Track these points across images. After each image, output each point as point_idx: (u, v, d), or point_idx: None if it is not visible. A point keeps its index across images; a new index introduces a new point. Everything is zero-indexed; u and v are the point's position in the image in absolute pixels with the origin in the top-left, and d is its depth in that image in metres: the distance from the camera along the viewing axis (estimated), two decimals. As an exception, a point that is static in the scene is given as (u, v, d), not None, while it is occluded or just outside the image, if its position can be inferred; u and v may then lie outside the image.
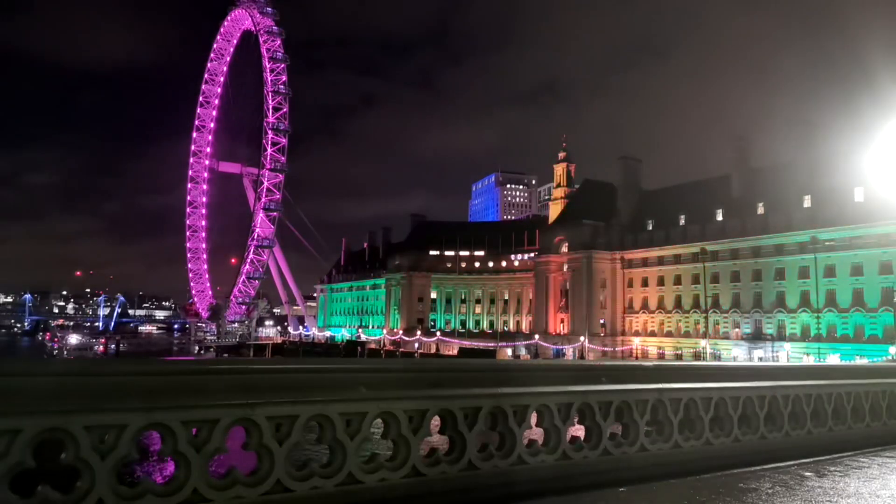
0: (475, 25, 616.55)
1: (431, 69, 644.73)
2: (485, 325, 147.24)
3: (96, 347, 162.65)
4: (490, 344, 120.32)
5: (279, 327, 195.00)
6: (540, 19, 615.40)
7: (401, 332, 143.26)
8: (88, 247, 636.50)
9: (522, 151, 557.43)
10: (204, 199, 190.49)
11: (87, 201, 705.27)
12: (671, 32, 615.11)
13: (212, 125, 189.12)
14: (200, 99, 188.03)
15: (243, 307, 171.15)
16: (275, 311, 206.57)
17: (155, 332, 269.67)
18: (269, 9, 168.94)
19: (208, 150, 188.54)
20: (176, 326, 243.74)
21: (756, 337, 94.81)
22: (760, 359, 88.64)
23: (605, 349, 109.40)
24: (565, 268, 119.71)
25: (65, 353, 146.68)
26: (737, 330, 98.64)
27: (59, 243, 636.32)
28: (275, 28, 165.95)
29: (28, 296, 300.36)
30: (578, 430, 7.85)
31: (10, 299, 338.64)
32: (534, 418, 7.44)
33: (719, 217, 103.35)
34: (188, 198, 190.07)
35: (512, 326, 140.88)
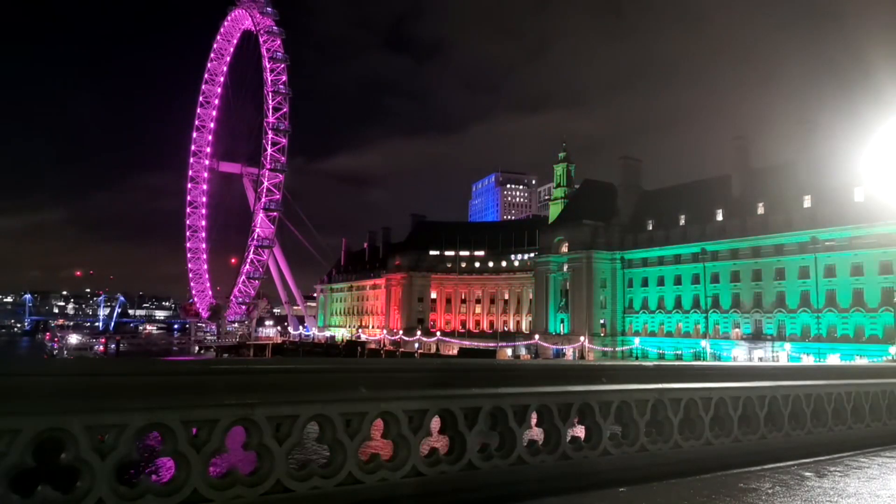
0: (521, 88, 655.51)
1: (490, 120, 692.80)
2: (485, 325, 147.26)
3: (96, 347, 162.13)
4: (490, 344, 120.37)
5: (279, 327, 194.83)
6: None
7: (401, 332, 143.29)
8: (88, 246, 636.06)
9: (523, 151, 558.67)
10: (204, 199, 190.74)
11: (87, 200, 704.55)
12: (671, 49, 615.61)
13: (212, 125, 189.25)
14: (200, 99, 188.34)
15: (243, 307, 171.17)
16: (275, 311, 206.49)
17: (155, 332, 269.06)
18: (269, 9, 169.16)
19: (208, 150, 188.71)
20: (176, 326, 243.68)
21: (756, 337, 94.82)
22: (760, 359, 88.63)
23: (605, 349, 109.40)
24: (565, 268, 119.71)
25: (65, 353, 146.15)
26: (737, 330, 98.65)
27: (60, 243, 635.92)
28: (275, 28, 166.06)
29: (28, 296, 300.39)
30: (578, 430, 7.84)
31: (10, 299, 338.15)
32: (534, 418, 7.44)
33: (719, 217, 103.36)
34: (188, 198, 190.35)
35: (512, 326, 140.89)
